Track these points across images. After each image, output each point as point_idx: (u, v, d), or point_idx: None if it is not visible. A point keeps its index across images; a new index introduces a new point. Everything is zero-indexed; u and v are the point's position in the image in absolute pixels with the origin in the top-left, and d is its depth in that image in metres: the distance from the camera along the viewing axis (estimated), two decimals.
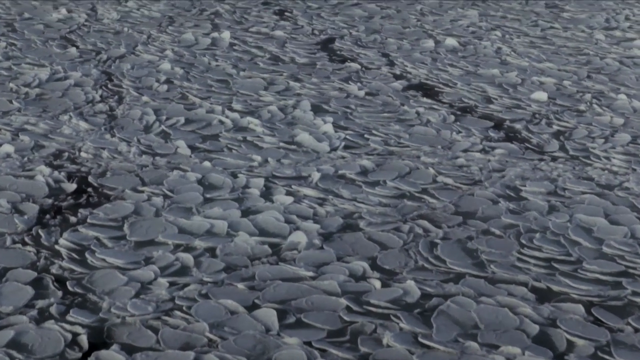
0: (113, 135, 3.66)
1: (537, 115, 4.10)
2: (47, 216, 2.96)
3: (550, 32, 5.51)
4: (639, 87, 4.48)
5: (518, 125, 3.97)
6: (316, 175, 3.38)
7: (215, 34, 5.20)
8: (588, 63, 4.88)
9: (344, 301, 2.55)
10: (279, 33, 5.30)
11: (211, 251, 2.78)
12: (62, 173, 3.26)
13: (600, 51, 5.10)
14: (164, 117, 3.88)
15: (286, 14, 5.79)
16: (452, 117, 4.04)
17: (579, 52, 5.09)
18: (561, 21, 5.76)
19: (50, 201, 3.05)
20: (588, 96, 4.33)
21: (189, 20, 5.51)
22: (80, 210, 2.99)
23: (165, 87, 4.28)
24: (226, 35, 5.18)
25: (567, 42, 5.29)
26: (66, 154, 3.44)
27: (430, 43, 5.18)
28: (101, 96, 4.12)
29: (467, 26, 5.59)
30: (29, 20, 5.27)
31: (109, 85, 4.27)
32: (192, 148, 3.58)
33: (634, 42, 5.26)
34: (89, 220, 2.92)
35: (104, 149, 3.51)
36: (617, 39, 5.35)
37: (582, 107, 4.21)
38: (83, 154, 3.44)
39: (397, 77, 4.59)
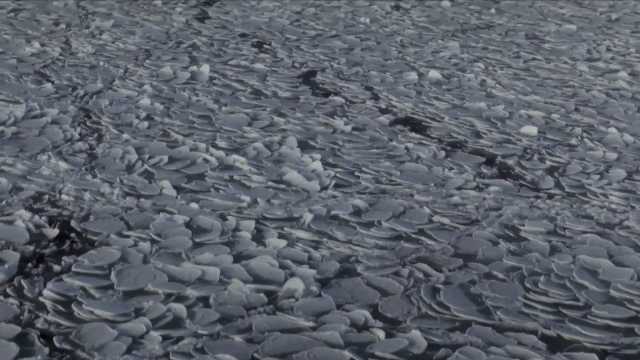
0: (94, 176, 3.51)
1: (528, 150, 4.01)
2: (29, 265, 2.80)
3: (533, 63, 5.44)
4: (628, 120, 4.42)
5: (510, 161, 3.88)
6: (308, 217, 3.26)
7: (194, 68, 5.07)
8: (574, 95, 4.82)
9: (347, 353, 2.42)
10: (259, 66, 5.19)
11: (204, 300, 2.65)
12: (43, 217, 3.10)
13: (586, 83, 5.04)
14: (146, 156, 3.74)
15: (265, 46, 5.68)
16: (443, 153, 3.94)
17: (564, 84, 5.03)
18: (543, 52, 5.71)
19: (31, 248, 2.90)
20: (578, 130, 4.26)
21: (166, 54, 5.39)
22: (64, 257, 2.84)
23: (145, 123, 4.15)
24: (205, 68, 5.05)
25: (551, 73, 5.23)
26: (46, 196, 3.29)
27: (413, 75, 5.09)
28: (80, 134, 3.97)
29: (449, 58, 5.51)
30: (1, 55, 5.11)
31: (88, 123, 4.13)
32: (178, 188, 3.45)
33: (618, 74, 5.21)
34: (73, 269, 2.77)
35: (85, 190, 3.36)
36: (601, 71, 5.30)
37: (574, 141, 4.13)
38: (64, 197, 3.29)
39: (383, 111, 4.49)
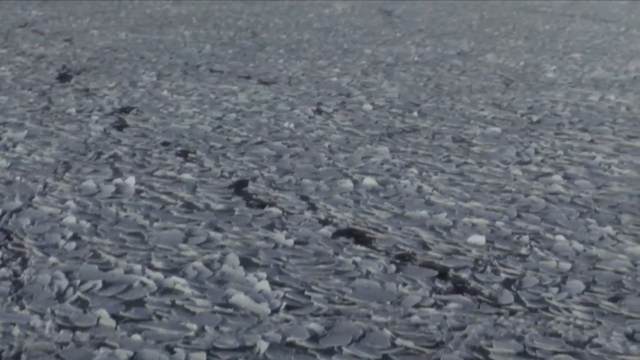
0: (22, 307, 3.19)
1: (480, 262, 3.86)
2: None
3: (466, 167, 5.36)
4: (573, 226, 4.34)
5: (464, 274, 3.72)
6: (263, 345, 3.00)
7: (118, 180, 4.81)
8: (514, 201, 4.73)
9: None
10: (187, 176, 4.96)
11: None
12: None
13: (522, 187, 4.97)
14: (77, 281, 3.44)
15: (190, 155, 5.46)
16: (393, 267, 3.76)
17: (501, 189, 4.95)
18: (473, 156, 5.64)
19: None
20: (526, 238, 4.14)
21: (86, 166, 5.11)
22: None
23: (73, 244, 3.85)
24: (131, 181, 4.80)
25: (486, 178, 5.15)
26: None
27: (348, 183, 4.94)
28: (2, 259, 3.65)
29: (380, 163, 5.39)
30: None
31: (9, 246, 3.81)
32: (116, 318, 3.15)
33: (552, 177, 5.16)
34: None
35: (14, 324, 3.04)
36: (535, 174, 5.24)
37: (523, 250, 4.01)
38: None
39: (323, 223, 4.30)
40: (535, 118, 6.76)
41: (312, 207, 4.55)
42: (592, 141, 6.11)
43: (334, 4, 15.70)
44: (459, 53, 10.22)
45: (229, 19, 12.99)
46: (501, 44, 11.05)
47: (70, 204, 4.38)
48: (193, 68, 8.63)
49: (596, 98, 7.63)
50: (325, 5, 15.72)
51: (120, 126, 6.15)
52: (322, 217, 4.40)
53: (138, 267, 3.61)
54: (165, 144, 5.72)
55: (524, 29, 12.70)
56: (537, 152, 5.78)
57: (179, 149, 5.62)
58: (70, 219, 4.14)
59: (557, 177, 5.18)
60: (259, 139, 5.94)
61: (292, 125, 6.31)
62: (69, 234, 3.95)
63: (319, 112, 6.84)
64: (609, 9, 15.68)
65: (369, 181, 4.98)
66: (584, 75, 8.88)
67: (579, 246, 4.06)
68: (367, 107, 7.00)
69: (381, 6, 15.60)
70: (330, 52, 9.98)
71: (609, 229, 4.32)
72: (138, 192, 4.66)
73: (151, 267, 3.62)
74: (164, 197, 4.59)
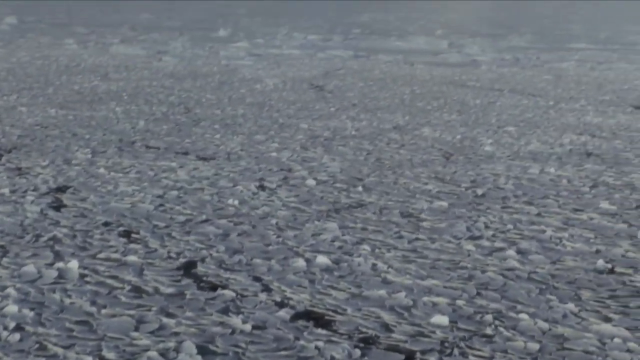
0: None
1: (446, 344, 3.73)
2: None
3: (418, 244, 5.26)
4: (534, 304, 4.25)
5: (432, 358, 3.58)
6: None
7: (60, 264, 4.57)
8: (471, 278, 4.63)
9: None
10: (132, 258, 4.75)
11: None
12: None
13: (478, 263, 4.88)
14: None
15: (133, 235, 5.25)
16: (358, 352, 3.60)
17: (457, 265, 4.85)
18: (423, 231, 5.55)
19: None
20: (489, 317, 4.03)
21: (25, 249, 4.86)
22: None
23: (17, 335, 3.60)
24: (73, 264, 4.56)
25: (439, 254, 5.05)
26: None
27: (300, 262, 4.78)
28: None
29: (331, 241, 5.26)
30: None
31: None
32: None
33: (506, 252, 5.08)
34: None
35: None
36: (488, 249, 5.17)
37: (488, 330, 3.89)
38: None
39: (280, 305, 4.13)
40: (479, 191, 6.73)
41: (267, 289, 4.37)
42: (539, 214, 6.09)
43: (265, 80, 15.70)
44: (395, 127, 10.23)
45: (160, 95, 12.84)
46: (435, 118, 11.11)
47: (11, 291, 4.13)
48: (128, 144, 8.43)
49: (536, 171, 7.66)
50: (256, 80, 15.70)
51: (58, 206, 5.91)
52: (278, 299, 4.23)
53: (89, 358, 3.38)
54: (106, 224, 5.50)
55: (455, 103, 12.82)
56: (487, 227, 5.72)
57: (121, 229, 5.40)
58: (12, 307, 3.89)
59: (511, 252, 5.11)
60: (204, 217, 5.76)
61: (236, 202, 6.15)
62: (12, 324, 3.70)
63: (262, 188, 6.70)
64: (535, 84, 15.98)
65: (322, 259, 4.84)
66: (521, 148, 8.94)
67: (544, 325, 3.97)
68: (311, 182, 6.89)
69: (312, 81, 15.65)
70: (266, 127, 9.88)
71: (571, 306, 4.24)
72: (82, 276, 4.43)
73: (103, 359, 3.40)
74: (109, 281, 4.37)
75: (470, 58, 23.17)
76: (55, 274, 4.42)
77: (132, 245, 5.03)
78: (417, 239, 5.39)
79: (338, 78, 16.67)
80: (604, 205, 6.38)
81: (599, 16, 66.21)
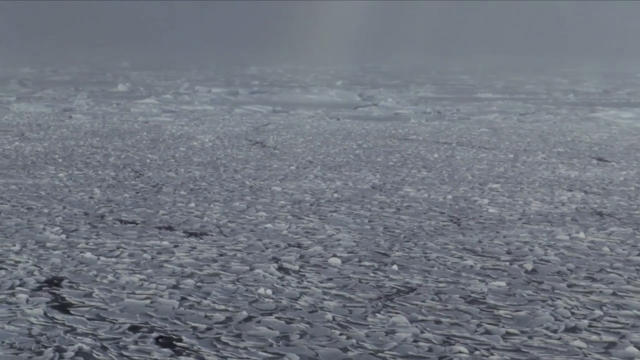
0: None
1: None
2: None
3: (515, 340, 4.41)
4: None
5: None
6: None
7: None
8: None
9: None
10: None
11: None
12: None
13: None
14: None
15: (176, 343, 4.27)
16: None
17: None
18: (507, 322, 4.73)
19: None
20: None
21: None
22: None
23: None
24: None
25: (550, 355, 4.23)
26: None
27: None
28: None
29: (413, 340, 4.40)
30: None
31: None
32: None
33: (625, 349, 4.34)
34: None
35: None
36: (599, 345, 4.40)
37: None
38: None
39: None
40: (527, 266, 5.98)
41: None
42: (614, 294, 5.37)
43: (198, 137, 14.75)
44: (374, 187, 9.44)
45: (97, 156, 11.73)
46: (407, 175, 10.37)
47: None
48: (98, 219, 7.35)
49: (565, 237, 6.95)
50: (188, 137, 14.73)
51: (62, 306, 4.86)
52: None
53: None
54: (133, 328, 4.49)
55: (413, 158, 12.16)
56: (572, 313, 4.96)
57: (155, 334, 4.42)
58: None
59: (631, 349, 4.37)
60: (245, 313, 4.81)
61: (269, 292, 5.19)
62: None
63: (284, 270, 5.77)
64: (477, 137, 15.54)
65: None
66: (525, 209, 8.27)
67: None
68: (335, 260, 6.01)
69: (247, 137, 14.80)
70: (237, 192, 8.92)
71: None
72: None
73: None
74: None
75: (391, 111, 22.71)
76: None
77: (183, 359, 4.05)
78: (508, 333, 4.58)
79: (272, 134, 15.85)
80: None
81: (470, 67, 67.29)
